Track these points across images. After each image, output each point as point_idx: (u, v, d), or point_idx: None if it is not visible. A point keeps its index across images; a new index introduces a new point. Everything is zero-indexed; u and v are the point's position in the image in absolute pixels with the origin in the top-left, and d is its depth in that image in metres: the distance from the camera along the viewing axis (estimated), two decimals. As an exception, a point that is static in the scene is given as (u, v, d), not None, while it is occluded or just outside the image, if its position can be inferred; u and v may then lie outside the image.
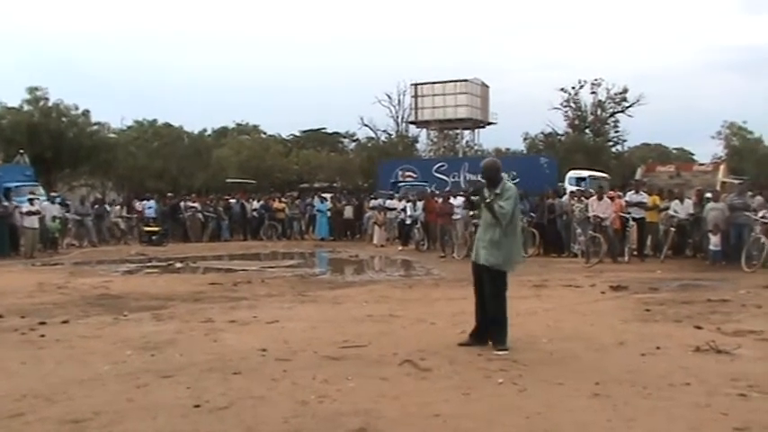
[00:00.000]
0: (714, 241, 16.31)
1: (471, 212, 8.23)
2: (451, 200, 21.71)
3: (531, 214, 20.44)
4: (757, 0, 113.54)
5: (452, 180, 31.91)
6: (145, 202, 28.32)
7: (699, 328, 8.48)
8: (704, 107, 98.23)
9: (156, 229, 26.35)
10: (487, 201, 7.48)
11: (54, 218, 22.96)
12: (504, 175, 7.87)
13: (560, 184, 28.43)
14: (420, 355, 7.02)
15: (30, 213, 21.08)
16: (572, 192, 21.76)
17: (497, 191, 7.51)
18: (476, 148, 64.09)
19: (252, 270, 17.35)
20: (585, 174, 33.18)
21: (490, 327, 7.52)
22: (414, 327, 8.84)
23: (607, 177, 33.94)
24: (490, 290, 7.54)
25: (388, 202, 26.88)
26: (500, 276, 7.57)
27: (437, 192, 26.46)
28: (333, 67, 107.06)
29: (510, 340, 7.46)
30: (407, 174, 34.18)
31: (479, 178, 7.85)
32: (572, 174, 33.71)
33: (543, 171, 30.66)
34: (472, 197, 7.98)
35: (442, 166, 34.28)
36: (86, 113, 44.32)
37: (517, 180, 28.06)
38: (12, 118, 41.60)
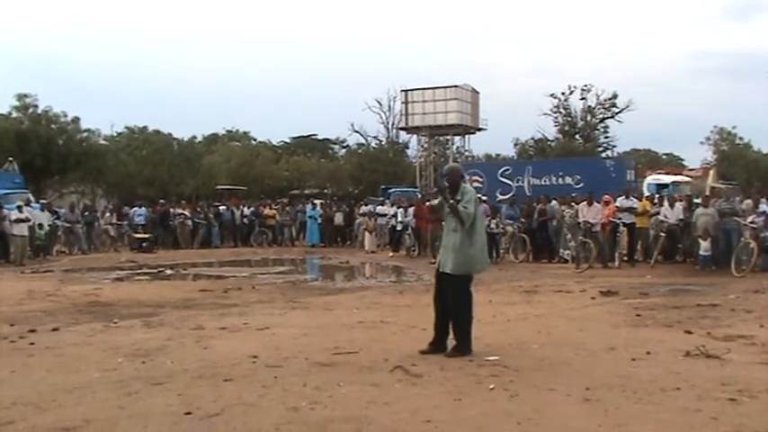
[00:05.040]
0: (704, 246, 16.37)
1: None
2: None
3: (522, 220, 20.52)
4: (740, 7, 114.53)
5: (516, 185, 30.96)
6: (135, 209, 28.23)
7: (689, 332, 8.51)
8: (693, 113, 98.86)
9: (146, 235, 26.29)
10: (452, 201, 7.44)
11: (41, 225, 22.86)
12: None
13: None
14: (411, 361, 7.02)
15: (18, 221, 21.01)
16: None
17: (458, 196, 7.49)
18: (466, 154, 64.26)
19: (242, 277, 17.31)
20: (668, 179, 31.54)
21: (454, 332, 7.50)
22: (405, 333, 8.83)
23: (690, 181, 32.37)
24: (453, 295, 7.52)
25: (379, 209, 26.88)
26: (462, 281, 7.54)
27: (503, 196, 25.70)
28: (323, 74, 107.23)
29: (499, 346, 7.46)
30: (474, 178, 33.09)
31: (443, 182, 7.79)
32: (652, 179, 32.19)
33: (609, 174, 29.26)
34: (435, 201, 7.99)
35: (507, 170, 33.03)
36: (76, 120, 44.28)
37: (581, 185, 27.52)
38: (0, 125, 41.44)
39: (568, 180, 29.62)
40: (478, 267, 7.63)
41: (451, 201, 7.47)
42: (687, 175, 36.81)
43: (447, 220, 7.62)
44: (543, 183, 30.33)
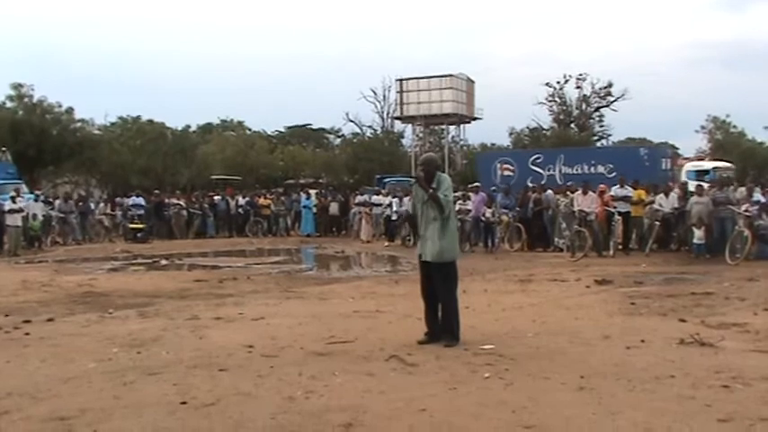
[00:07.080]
0: (698, 235, 16.42)
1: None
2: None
3: (517, 208, 20.52)
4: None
5: (548, 174, 30.07)
6: (133, 198, 28.12)
7: (683, 321, 8.55)
8: (688, 102, 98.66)
9: (140, 226, 26.22)
10: (431, 190, 7.48)
11: (35, 216, 22.79)
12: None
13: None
14: (407, 351, 7.04)
15: (12, 211, 20.94)
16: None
17: (434, 184, 7.55)
18: (461, 143, 64.26)
19: (237, 267, 17.31)
20: (709, 165, 30.91)
21: (444, 320, 7.53)
22: (400, 322, 8.84)
23: (732, 167, 31.96)
24: (444, 283, 7.54)
25: (374, 198, 26.84)
26: (451, 267, 7.60)
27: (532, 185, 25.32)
28: (318, 63, 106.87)
29: (494, 335, 7.47)
30: (505, 166, 32.28)
31: (419, 172, 7.82)
32: (691, 166, 31.58)
33: (642, 163, 28.25)
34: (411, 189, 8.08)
35: (538, 158, 31.98)
36: (70, 110, 44.00)
37: (614, 174, 27.12)
38: (-6, 115, 41.23)
39: (600, 169, 29.10)
40: (457, 252, 7.77)
41: (430, 190, 7.51)
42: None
43: (425, 210, 7.62)
44: (575, 171, 29.76)
